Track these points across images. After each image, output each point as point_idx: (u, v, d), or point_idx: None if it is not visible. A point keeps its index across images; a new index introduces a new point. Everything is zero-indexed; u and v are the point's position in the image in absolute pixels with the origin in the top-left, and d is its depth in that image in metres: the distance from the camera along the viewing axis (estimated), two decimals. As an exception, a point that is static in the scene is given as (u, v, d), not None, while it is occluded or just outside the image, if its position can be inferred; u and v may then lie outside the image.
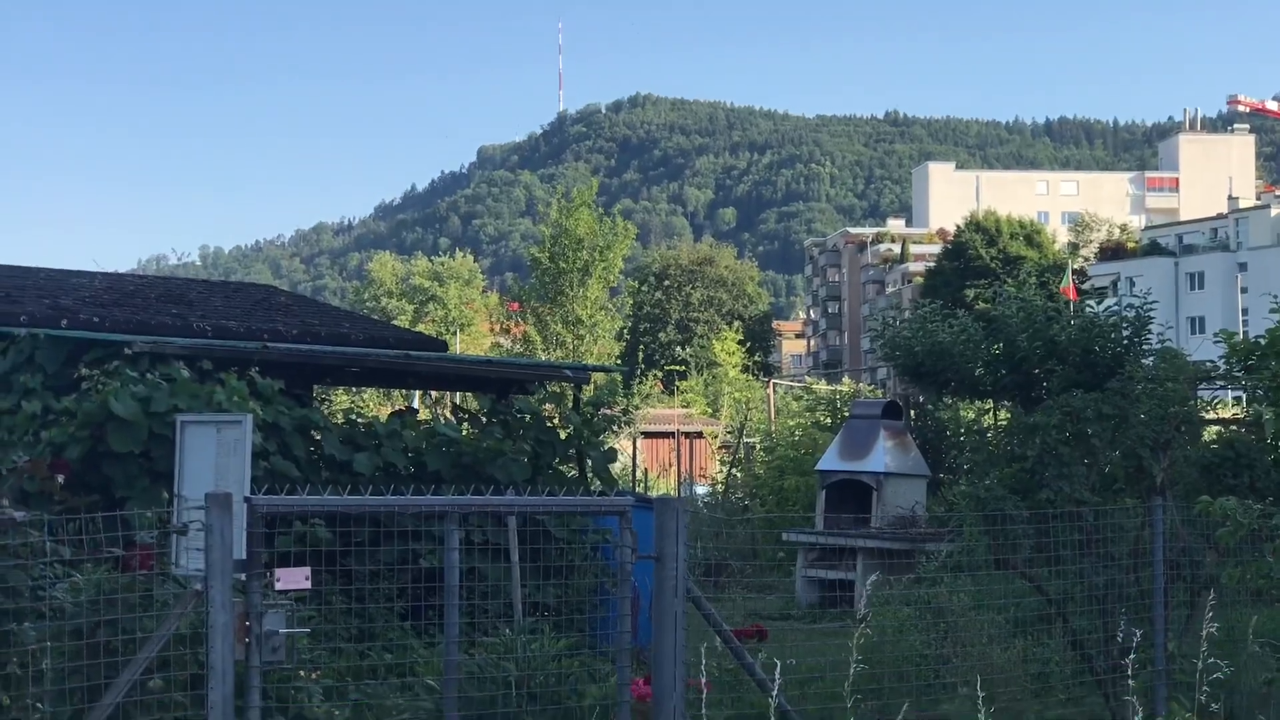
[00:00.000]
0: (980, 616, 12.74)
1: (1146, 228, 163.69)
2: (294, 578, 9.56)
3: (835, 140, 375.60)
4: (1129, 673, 10.74)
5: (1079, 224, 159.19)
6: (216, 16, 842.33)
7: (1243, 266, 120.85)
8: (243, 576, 8.71)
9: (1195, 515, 12.28)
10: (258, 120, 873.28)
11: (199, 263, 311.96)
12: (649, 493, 23.80)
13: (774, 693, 9.94)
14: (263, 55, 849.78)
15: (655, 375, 78.40)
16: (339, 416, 20.94)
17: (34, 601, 8.21)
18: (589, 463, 21.31)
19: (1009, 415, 26.28)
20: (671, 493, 36.84)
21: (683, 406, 60.14)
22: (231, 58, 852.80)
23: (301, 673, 12.84)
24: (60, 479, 14.82)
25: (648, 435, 46.50)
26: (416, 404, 23.79)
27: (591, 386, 23.31)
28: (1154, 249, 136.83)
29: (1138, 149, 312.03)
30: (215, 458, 14.50)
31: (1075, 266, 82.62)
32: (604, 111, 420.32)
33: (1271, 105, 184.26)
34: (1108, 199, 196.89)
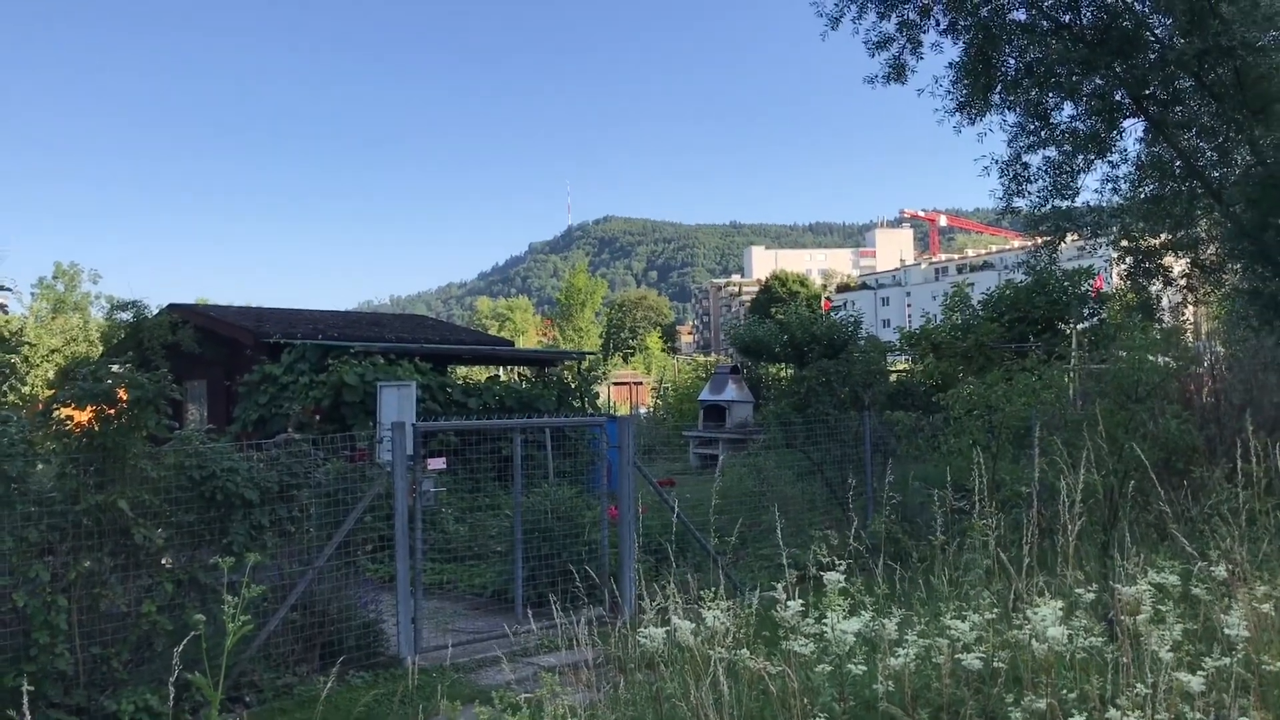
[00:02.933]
0: (778, 472, 12.78)
1: (860, 275, 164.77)
2: (436, 463, 9.57)
3: (706, 235, 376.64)
4: (851, 499, 10.81)
5: (827, 274, 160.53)
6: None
7: (908, 294, 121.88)
8: (410, 463, 8.69)
9: (884, 421, 12.41)
10: (421, 215, 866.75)
11: (388, 303, 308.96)
12: (615, 414, 23.90)
13: (675, 511, 9.98)
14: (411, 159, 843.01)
15: (619, 355, 78.18)
16: (461, 380, 20.89)
17: (305, 477, 8.14)
18: (586, 400, 21.34)
19: (791, 372, 26.41)
20: (627, 414, 36.93)
21: (633, 370, 60.03)
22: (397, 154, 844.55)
23: (443, 509, 12.81)
24: (317, 418, 14.74)
25: (616, 384, 46.75)
26: (501, 374, 23.80)
27: (586, 362, 23.28)
28: (864, 286, 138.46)
29: (855, 235, 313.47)
30: (397, 404, 14.46)
31: (825, 296, 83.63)
32: (590, 223, 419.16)
33: (920, 212, 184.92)
34: (840, 261, 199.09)
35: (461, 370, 23.54)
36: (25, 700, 3.58)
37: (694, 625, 4.14)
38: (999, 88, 18.11)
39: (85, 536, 6.83)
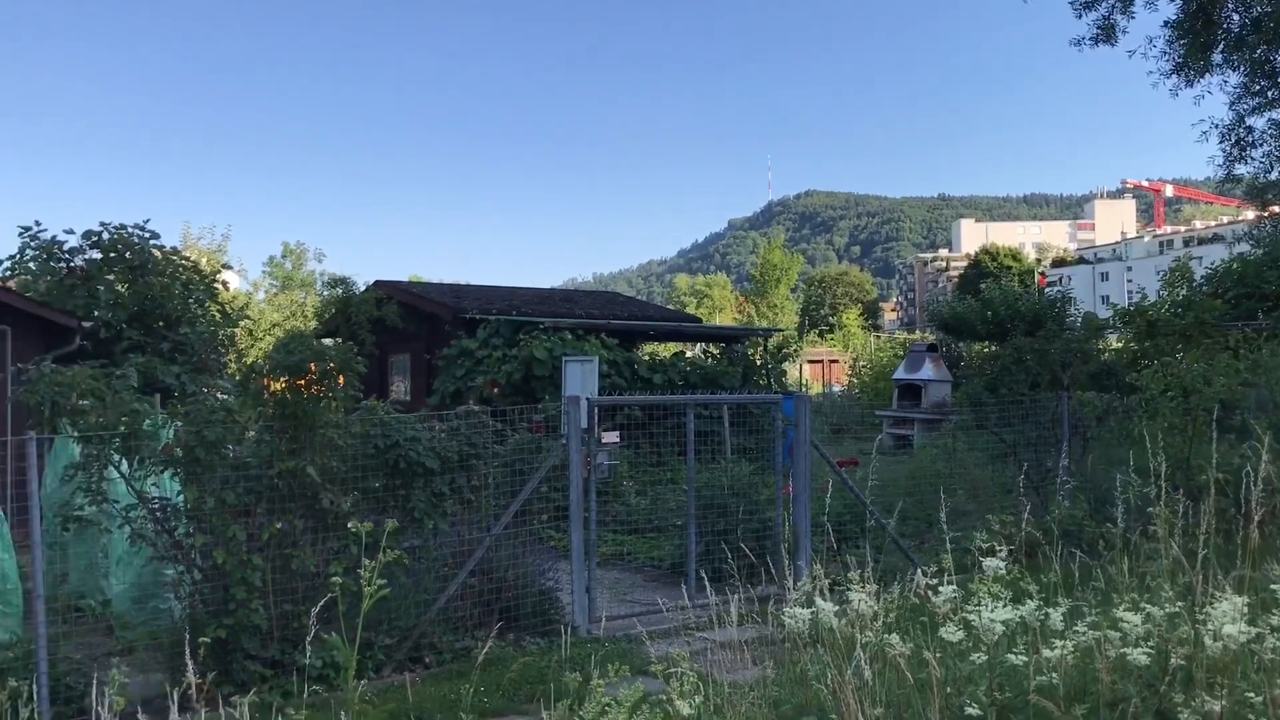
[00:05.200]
0: (970, 453, 12.36)
1: (1077, 249, 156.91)
2: (611, 436, 9.71)
3: (911, 208, 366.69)
4: (1045, 484, 10.36)
5: (1041, 248, 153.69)
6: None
7: (1129, 269, 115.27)
8: (585, 436, 8.85)
9: (1079, 403, 11.82)
10: (624, 193, 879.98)
11: (591, 280, 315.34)
12: (797, 392, 23.66)
13: (854, 490, 9.83)
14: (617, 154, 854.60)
15: (815, 332, 77.20)
16: (647, 356, 21.13)
17: (484, 448, 8.40)
18: (772, 378, 21.20)
19: (990, 350, 25.51)
20: (819, 392, 36.49)
21: (829, 347, 59.18)
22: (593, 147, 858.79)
23: (625, 482, 13.00)
24: (497, 390, 15.21)
25: (811, 361, 46.25)
26: (688, 351, 23.99)
27: (775, 339, 23.11)
28: (1081, 260, 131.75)
29: (1072, 208, 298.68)
30: (581, 378, 14.74)
31: (1039, 270, 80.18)
32: (790, 198, 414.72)
33: (1144, 182, 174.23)
34: (1056, 234, 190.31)
35: (650, 347, 23.82)
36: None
37: (838, 608, 4.05)
38: (1220, 46, 16.83)
39: (278, 500, 7.28)
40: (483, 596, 8.38)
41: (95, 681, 3.76)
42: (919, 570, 4.87)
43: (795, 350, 26.86)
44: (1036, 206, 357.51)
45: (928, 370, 24.24)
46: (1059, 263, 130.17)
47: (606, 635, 8.35)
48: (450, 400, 17.87)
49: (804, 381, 37.15)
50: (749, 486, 10.96)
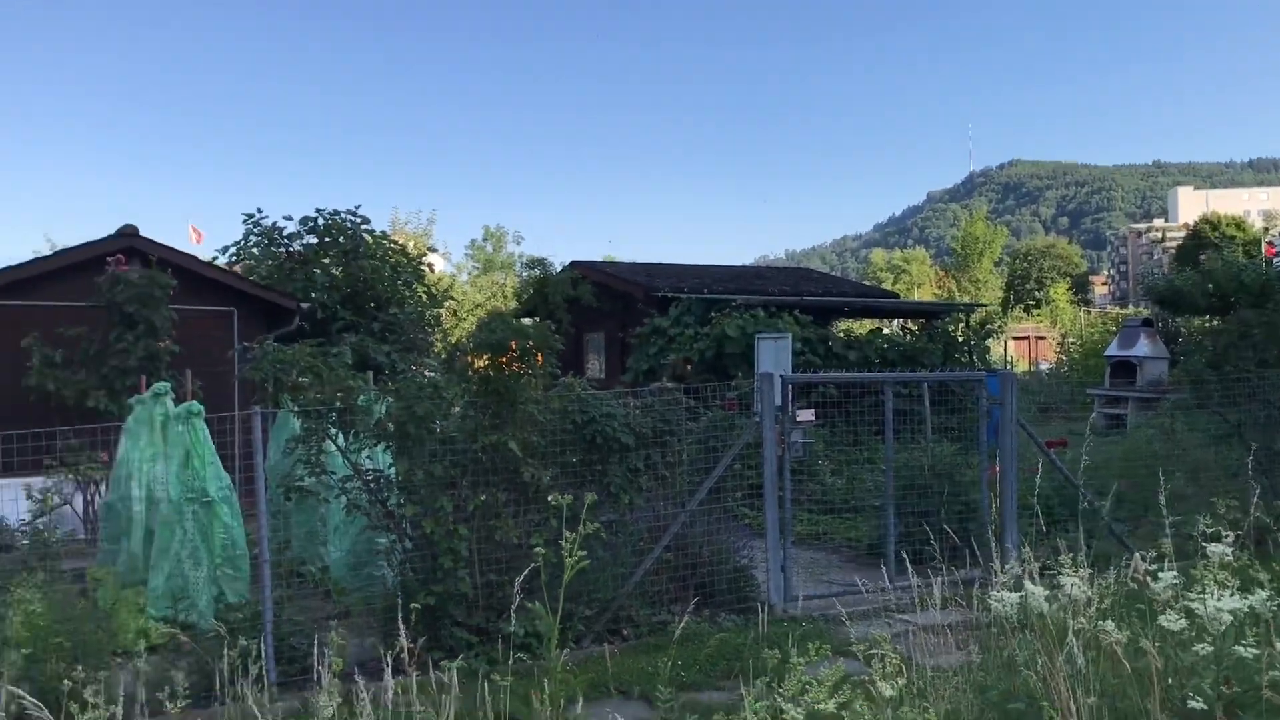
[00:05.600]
0: (1189, 434, 11.65)
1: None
2: (806, 414, 9.60)
3: (1124, 176, 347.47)
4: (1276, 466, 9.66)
5: (1269, 216, 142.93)
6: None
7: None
8: (778, 414, 8.79)
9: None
10: (817, 168, 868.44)
11: (783, 257, 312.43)
12: (1001, 369, 22.77)
13: (1063, 472, 9.43)
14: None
15: (1020, 307, 74.26)
16: (842, 333, 20.81)
17: (677, 425, 8.45)
18: (975, 355, 20.52)
19: (1211, 325, 23.94)
20: (1025, 369, 35.11)
21: (1036, 323, 56.77)
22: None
23: (820, 461, 12.85)
24: (689, 367, 15.27)
25: (1016, 338, 44.58)
26: (884, 328, 23.49)
27: (977, 315, 22.34)
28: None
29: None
30: (774, 356, 14.64)
31: (1267, 240, 74.67)
32: (993, 169, 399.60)
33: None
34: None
35: (846, 324, 23.44)
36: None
37: (1048, 592, 3.89)
38: None
39: (482, 473, 7.54)
40: (678, 572, 8.45)
41: (316, 643, 3.98)
42: (1136, 556, 4.62)
43: (999, 326, 25.95)
44: (1263, 172, 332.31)
45: (1143, 346, 22.97)
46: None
47: (803, 615, 8.30)
48: (643, 378, 18.07)
49: (1009, 359, 35.81)
50: (951, 467, 10.66)
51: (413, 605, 5.70)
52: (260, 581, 6.95)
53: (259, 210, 19.25)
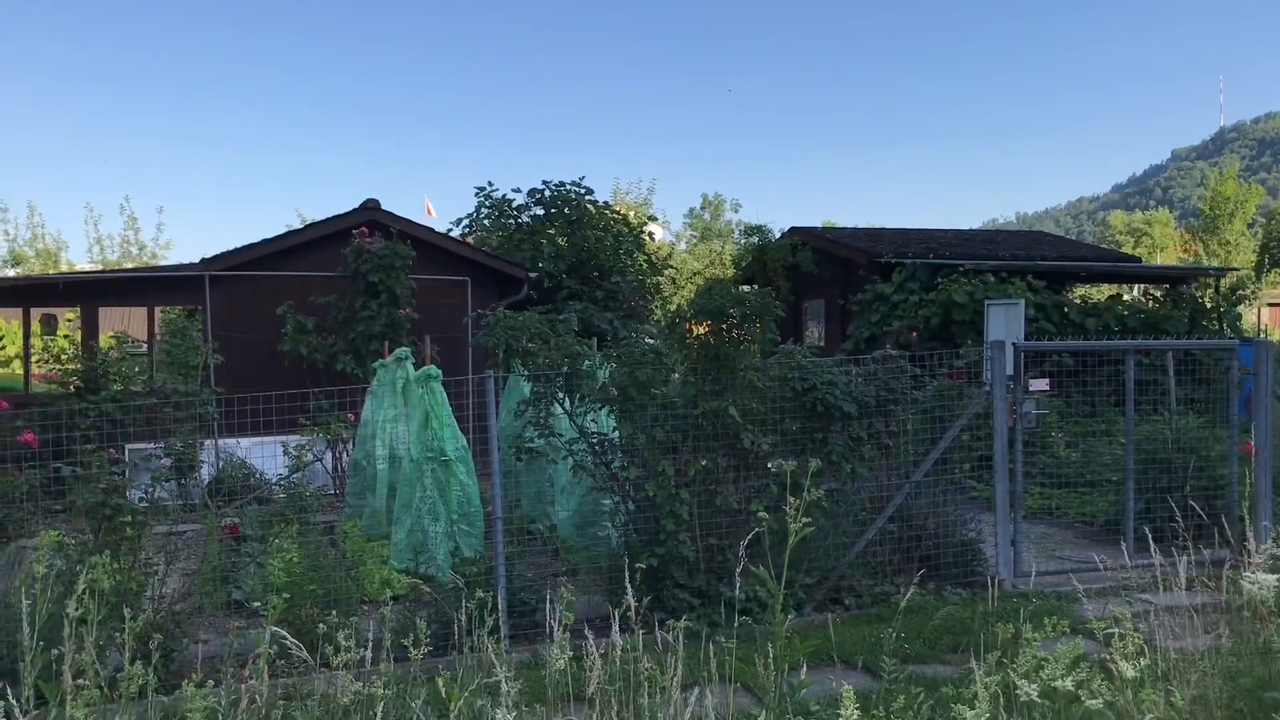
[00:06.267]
0: None
1: None
2: (1040, 384, 9.21)
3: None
4: None
5: None
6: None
7: None
8: (1009, 383, 8.46)
9: None
10: (1050, 126, 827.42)
11: (1014, 220, 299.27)
12: (1256, 338, 21.08)
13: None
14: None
15: (1277, 272, 68.59)
16: (1078, 299, 19.77)
17: (901, 393, 8.25)
18: (1225, 323, 19.10)
19: None
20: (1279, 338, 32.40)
21: (1298, 289, 52.27)
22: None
23: (1054, 433, 12.30)
24: (915, 335, 14.84)
25: (1272, 305, 41.20)
26: (1125, 294, 22.18)
27: (1228, 279, 20.73)
28: None
29: None
30: (1005, 323, 14.07)
31: None
32: (1246, 123, 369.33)
33: None
34: None
35: (1081, 289, 22.25)
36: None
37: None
38: None
39: (702, 438, 7.59)
40: (901, 543, 8.29)
41: (547, 599, 4.13)
42: None
43: (1252, 292, 24.00)
44: None
45: None
46: None
47: (1034, 591, 8.00)
48: (865, 345, 17.76)
49: (1263, 327, 33.14)
50: (1197, 442, 9.99)
51: (636, 566, 5.81)
52: (493, 538, 7.24)
53: (490, 184, 19.99)
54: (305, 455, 9.03)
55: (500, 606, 6.82)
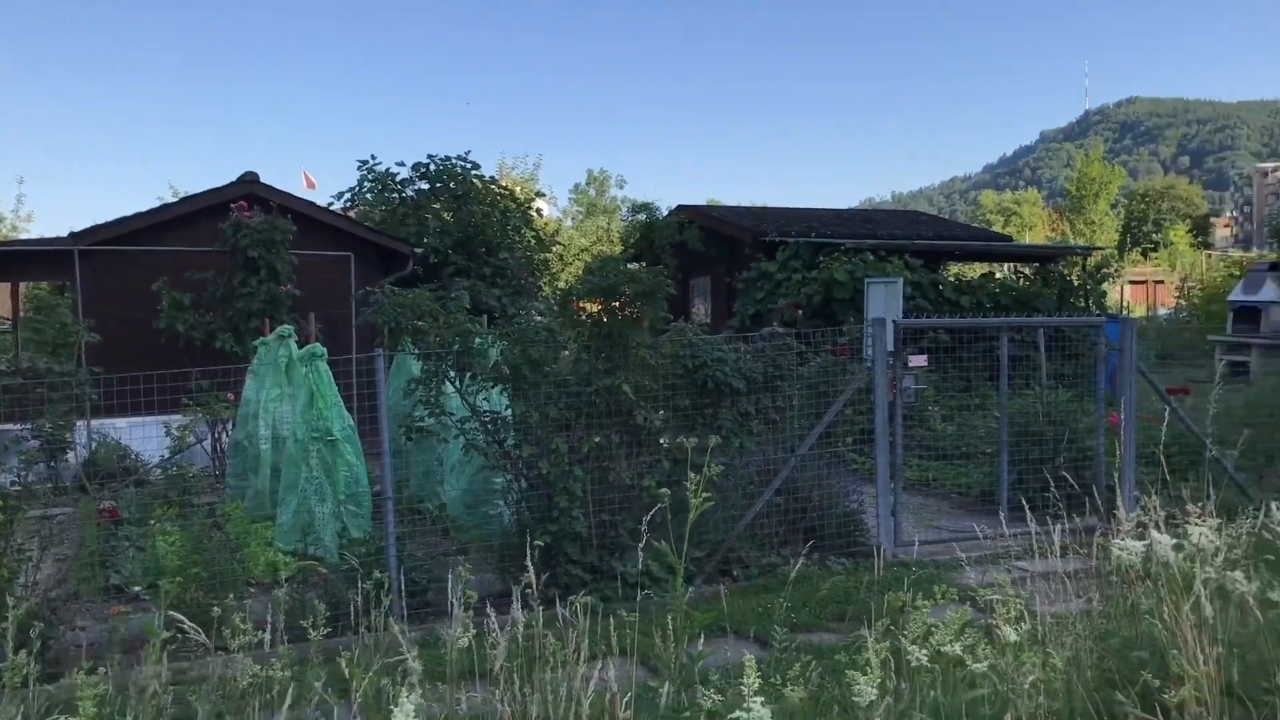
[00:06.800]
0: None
1: None
2: (919, 360, 9.48)
3: (1250, 113, 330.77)
4: None
5: None
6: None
7: None
8: (890, 359, 8.71)
9: None
10: (924, 107, 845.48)
11: (889, 199, 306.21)
12: (1118, 315, 22.13)
13: (1183, 419, 9.18)
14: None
15: (1138, 251, 71.68)
16: (953, 277, 20.41)
17: (788, 370, 8.44)
18: (1091, 300, 19.96)
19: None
20: (1141, 315, 34.03)
21: (1154, 267, 54.83)
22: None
23: (931, 407, 12.70)
24: (800, 312, 15.16)
25: (1133, 282, 43.17)
26: (997, 272, 22.97)
27: (1093, 258, 21.66)
28: None
29: None
30: (884, 300, 14.44)
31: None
32: (1110, 106, 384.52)
33: None
34: None
35: (955, 268, 22.96)
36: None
37: (1176, 541, 3.82)
38: None
39: (595, 415, 7.65)
40: (787, 515, 8.50)
41: (445, 579, 4.13)
42: (1272, 505, 4.49)
43: (1116, 270, 25.11)
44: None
45: (1269, 291, 22.06)
46: None
47: (914, 560, 8.28)
48: (750, 322, 18.03)
49: (1125, 304, 34.73)
50: (1066, 414, 10.46)
51: (536, 543, 5.84)
52: (384, 518, 7.19)
53: (373, 157, 19.63)
54: (188, 436, 8.80)
55: (398, 587, 6.78)
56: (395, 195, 19.44)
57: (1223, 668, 3.66)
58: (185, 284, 13.79)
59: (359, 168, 19.57)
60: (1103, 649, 4.16)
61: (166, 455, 8.81)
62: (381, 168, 19.63)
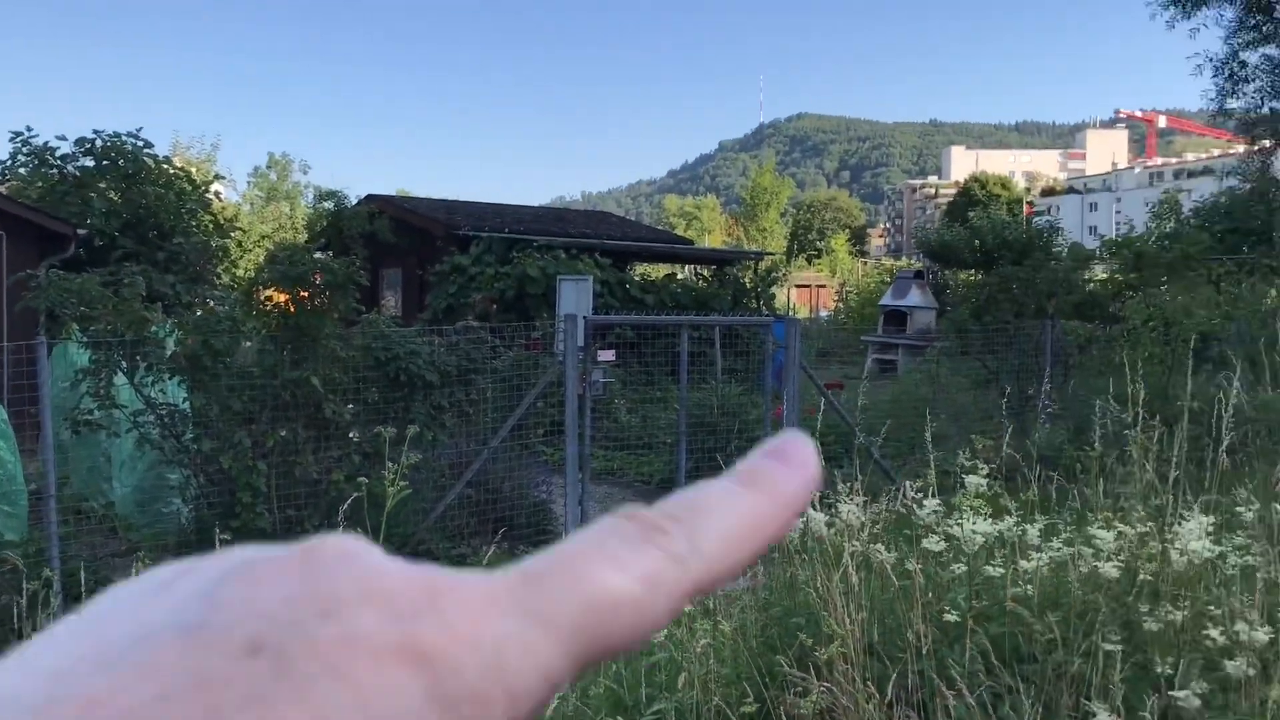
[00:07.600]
0: (953, 379, 12.60)
1: (1067, 179, 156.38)
2: (607, 355, 9.87)
3: (903, 134, 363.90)
4: (1026, 410, 10.58)
5: (1031, 177, 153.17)
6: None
7: (1119, 200, 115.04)
8: (581, 353, 9.02)
9: (1063, 332, 12.05)
10: (613, 111, 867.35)
11: (580, 199, 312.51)
12: (785, 315, 23.88)
13: (839, 411, 10.05)
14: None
15: (804, 257, 77.11)
16: (639, 276, 21.24)
17: (482, 363, 8.55)
18: (761, 301, 21.36)
19: (976, 278, 25.70)
20: (806, 316, 36.69)
21: (817, 272, 59.18)
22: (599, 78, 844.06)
23: (617, 400, 13.19)
24: (495, 307, 15.33)
25: (799, 286, 46.42)
26: (679, 273, 24.12)
27: (765, 263, 23.19)
28: (1071, 190, 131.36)
29: (1064, 137, 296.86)
30: (575, 297, 14.84)
31: (1027, 200, 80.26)
32: (782, 121, 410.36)
33: (1138, 112, 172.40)
34: (1046, 164, 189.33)
35: (641, 267, 23.90)
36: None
37: (828, 518, 4.28)
38: (1217, -21, 16.82)
39: (282, 409, 7.45)
40: (479, 507, 8.62)
41: (113, 581, 3.94)
42: (906, 485, 5.09)
43: (784, 274, 26.97)
44: (1028, 135, 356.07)
45: (914, 297, 24.42)
46: (1048, 192, 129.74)
47: (598, 546, 8.62)
48: (443, 315, 17.98)
49: (791, 306, 37.33)
50: (738, 407, 11.21)
51: (220, 540, 5.64)
52: (46, 518, 6.69)
53: (28, 129, 17.90)
54: None
55: (56, 588, 6.32)
56: (55, 171, 17.83)
57: (865, 629, 4.14)
58: None
59: (12, 139, 17.80)
60: (766, 618, 4.58)
61: None
62: (39, 141, 17.95)
